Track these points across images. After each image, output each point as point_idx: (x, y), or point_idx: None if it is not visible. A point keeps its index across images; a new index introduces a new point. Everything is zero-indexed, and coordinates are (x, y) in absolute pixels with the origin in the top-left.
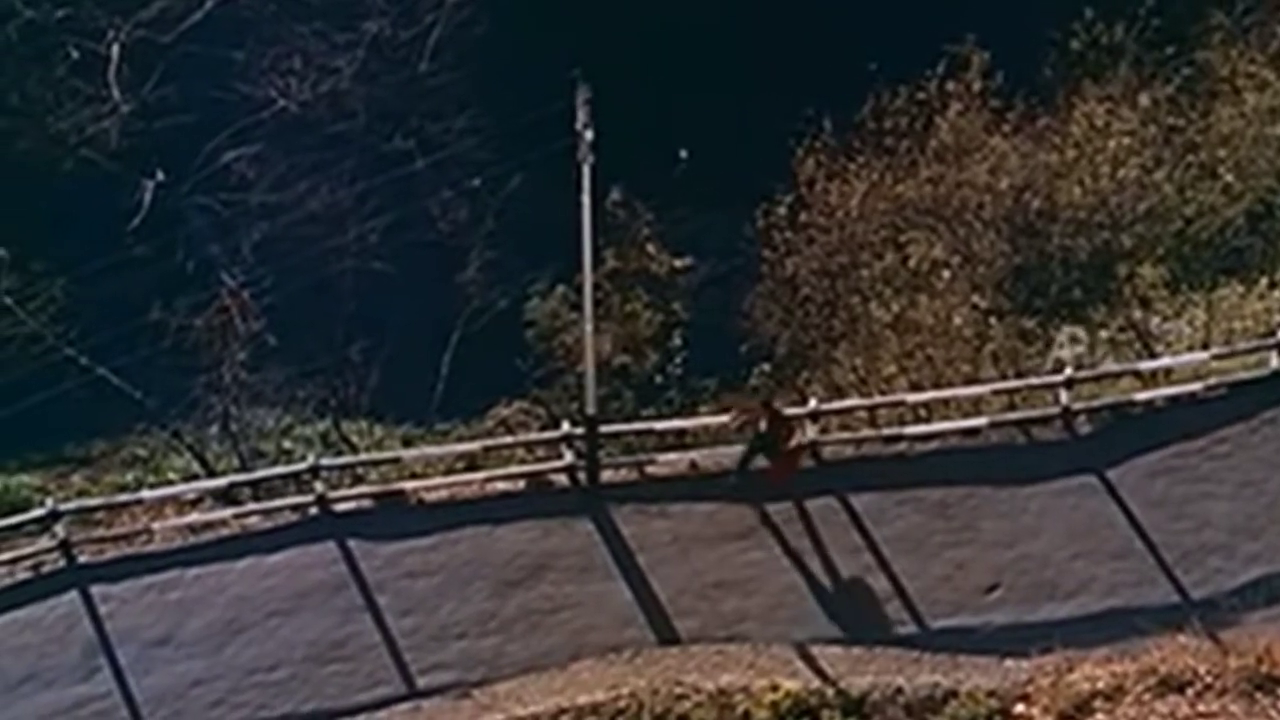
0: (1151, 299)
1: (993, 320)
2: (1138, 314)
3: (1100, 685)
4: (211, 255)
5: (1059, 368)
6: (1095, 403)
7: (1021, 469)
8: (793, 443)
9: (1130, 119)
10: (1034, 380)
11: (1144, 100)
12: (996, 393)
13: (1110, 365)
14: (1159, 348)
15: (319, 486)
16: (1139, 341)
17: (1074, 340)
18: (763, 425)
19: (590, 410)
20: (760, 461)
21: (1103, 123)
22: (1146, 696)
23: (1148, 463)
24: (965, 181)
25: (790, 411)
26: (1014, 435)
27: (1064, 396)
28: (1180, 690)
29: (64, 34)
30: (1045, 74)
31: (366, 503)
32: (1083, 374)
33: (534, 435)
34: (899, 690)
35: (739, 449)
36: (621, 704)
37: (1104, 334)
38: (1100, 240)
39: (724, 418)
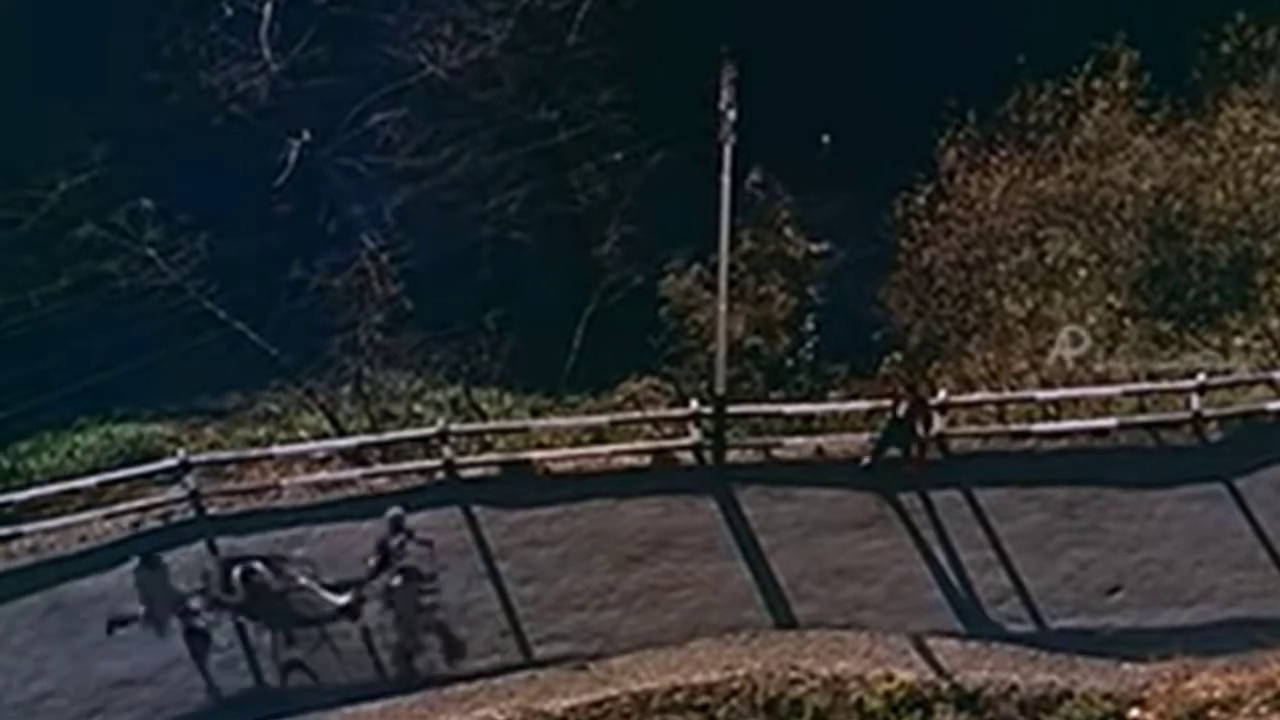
0: None
1: (1127, 321)
2: (1275, 323)
3: (1217, 695)
4: (353, 217)
5: (1060, 369)
6: (1227, 410)
7: (1149, 472)
8: (931, 431)
9: (1278, 125)
10: (1166, 384)
11: None
12: (1127, 394)
13: (1244, 373)
14: None
15: (447, 451)
16: (1275, 350)
17: (1075, 340)
18: (901, 410)
19: (719, 390)
20: (893, 451)
21: (1249, 128)
22: (1264, 709)
23: (1277, 473)
24: (1107, 180)
25: (935, 400)
26: (1143, 438)
27: (1195, 402)
28: None
29: None
30: (1193, 76)
31: (493, 470)
32: (1216, 380)
33: (662, 412)
34: (1014, 688)
35: (868, 436)
36: (736, 685)
37: (1239, 341)
38: (1240, 246)
39: (861, 403)
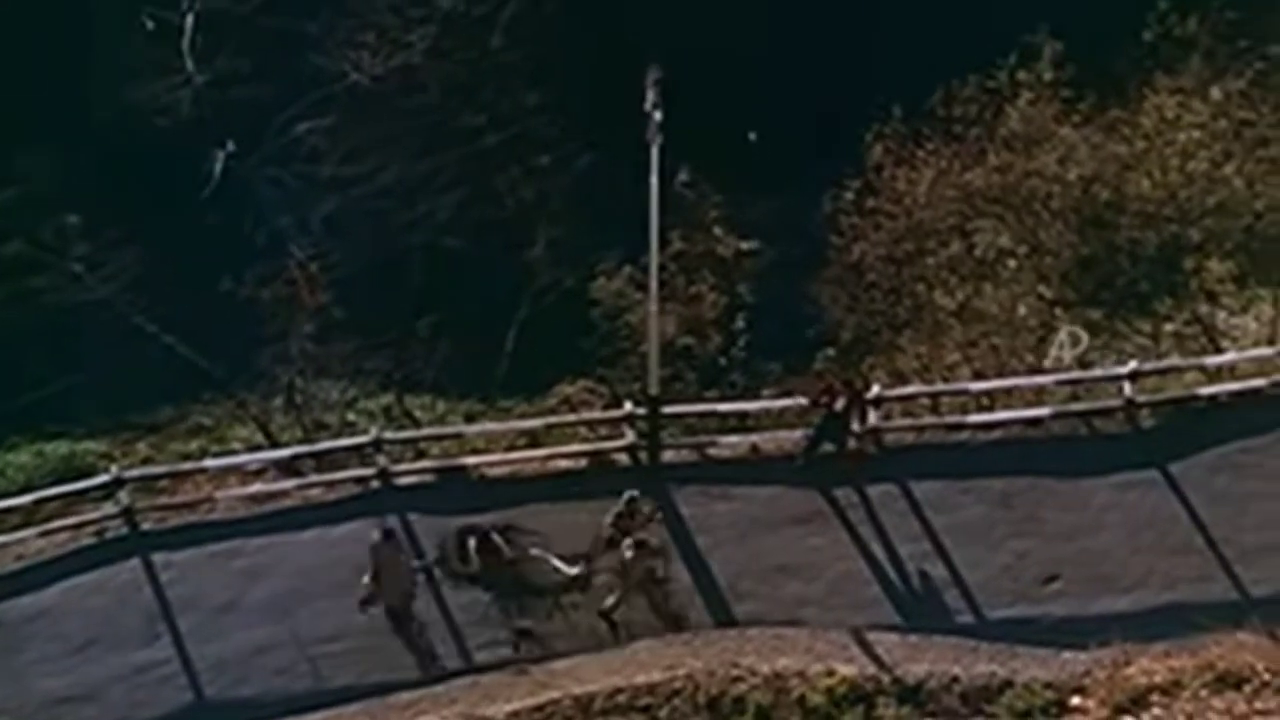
0: (1218, 293)
1: (1058, 311)
2: (1204, 308)
3: (1157, 680)
4: (281, 227)
5: (1058, 368)
6: (1159, 396)
7: (1084, 461)
8: (867, 425)
9: (1201, 112)
10: (1098, 372)
11: (1215, 93)
12: (1060, 383)
13: (1176, 359)
14: (1225, 343)
15: (381, 460)
16: (1205, 336)
17: (1074, 339)
18: (839, 406)
19: (653, 390)
20: (827, 447)
21: (1174, 115)
22: (1204, 692)
23: (1211, 458)
24: (1034, 171)
25: (870, 394)
26: (1077, 427)
27: (1128, 389)
28: (1237, 687)
29: (140, 3)
30: (1117, 65)
31: (428, 477)
32: (1147, 367)
33: (596, 414)
34: (955, 679)
35: (801, 433)
36: (678, 684)
37: (1169, 327)
38: (1168, 233)
39: (797, 399)
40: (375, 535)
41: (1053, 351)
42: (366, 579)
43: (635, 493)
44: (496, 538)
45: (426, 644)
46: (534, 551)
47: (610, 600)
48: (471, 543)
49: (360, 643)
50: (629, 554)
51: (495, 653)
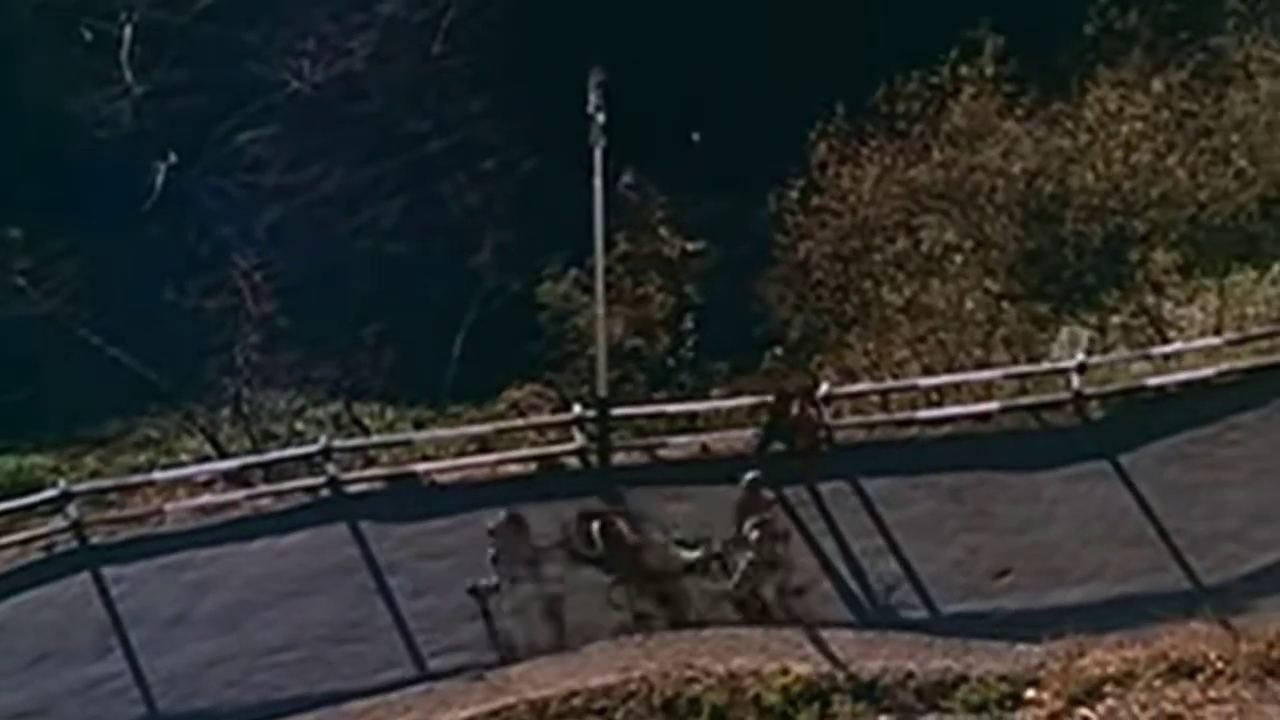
0: (1164, 284)
1: (1005, 305)
2: (1150, 299)
3: (1111, 670)
4: (224, 237)
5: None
6: (1107, 388)
7: (1034, 454)
8: (821, 420)
9: (1143, 104)
10: (1046, 365)
11: (1157, 85)
12: (1008, 377)
13: (1123, 350)
14: (1171, 333)
15: (331, 468)
16: (1151, 327)
17: (1074, 340)
18: (794, 407)
19: (602, 393)
20: (777, 445)
21: (1116, 108)
22: (1157, 682)
23: (1160, 448)
24: (978, 166)
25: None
26: (1026, 420)
27: (1076, 381)
28: (1191, 676)
29: (78, 15)
30: (1059, 59)
31: (379, 484)
32: (1095, 359)
33: (546, 418)
34: (910, 675)
35: (751, 432)
36: (632, 687)
37: (1116, 319)
38: (1113, 225)
39: (744, 399)
40: (500, 517)
41: (1055, 351)
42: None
43: (756, 474)
44: (619, 522)
45: (559, 619)
46: (655, 535)
47: (734, 583)
48: (595, 526)
49: (312, 652)
50: (753, 535)
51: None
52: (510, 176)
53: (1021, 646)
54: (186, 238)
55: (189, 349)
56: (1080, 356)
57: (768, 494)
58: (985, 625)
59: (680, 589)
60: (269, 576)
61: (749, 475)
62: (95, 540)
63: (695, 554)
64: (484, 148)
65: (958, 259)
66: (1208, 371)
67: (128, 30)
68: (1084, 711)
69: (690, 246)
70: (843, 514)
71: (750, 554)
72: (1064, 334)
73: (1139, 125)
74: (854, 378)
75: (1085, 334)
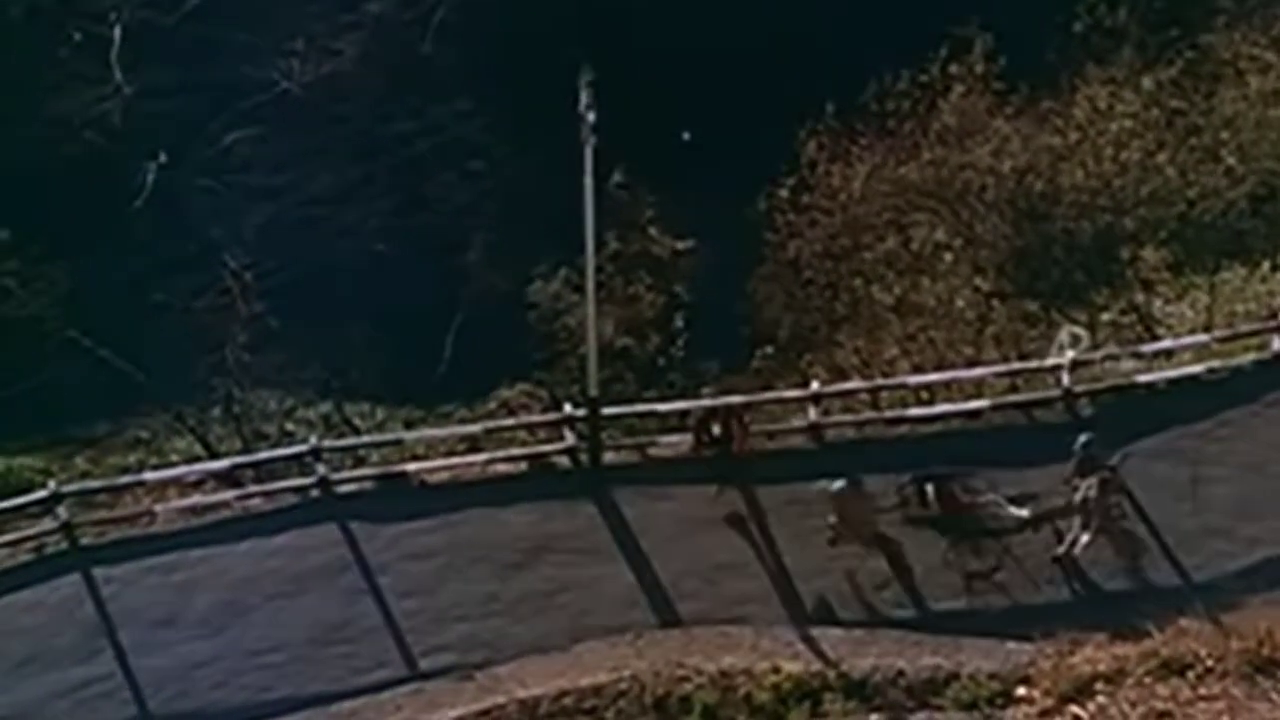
0: (1154, 282)
1: (995, 303)
2: (1140, 297)
3: (1102, 668)
4: (213, 237)
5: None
6: (1097, 385)
7: (1024, 451)
8: (746, 419)
9: (1133, 102)
10: (1036, 363)
11: (1147, 83)
12: (998, 375)
13: (1112, 348)
14: (1161, 330)
15: (321, 468)
16: (1141, 324)
17: (1074, 340)
18: (715, 429)
19: (592, 392)
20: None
21: (1105, 105)
22: (1148, 679)
23: (1150, 445)
24: (968, 164)
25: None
26: (1016, 417)
27: (1065, 379)
28: (1181, 673)
29: (67, 16)
30: (1048, 57)
31: (368, 484)
32: (1084, 356)
33: (536, 417)
34: (900, 673)
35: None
36: (623, 686)
37: (1106, 316)
38: (1103, 223)
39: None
40: (840, 483)
41: (1053, 351)
42: (832, 519)
43: (1090, 435)
44: (953, 483)
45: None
46: (987, 495)
47: (1070, 541)
48: (929, 488)
49: (300, 653)
50: (1091, 492)
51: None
52: (499, 176)
53: (1012, 644)
54: (176, 238)
55: (178, 349)
56: (1076, 351)
57: (1102, 455)
58: (976, 623)
59: (1010, 548)
60: (258, 577)
61: (1082, 437)
62: (85, 541)
63: (1025, 512)
64: (473, 147)
65: (948, 257)
66: (1197, 368)
67: (117, 31)
68: (1075, 709)
69: (680, 245)
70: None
71: (1083, 515)
72: (1063, 334)
73: (1128, 123)
74: (844, 376)
75: (1084, 333)
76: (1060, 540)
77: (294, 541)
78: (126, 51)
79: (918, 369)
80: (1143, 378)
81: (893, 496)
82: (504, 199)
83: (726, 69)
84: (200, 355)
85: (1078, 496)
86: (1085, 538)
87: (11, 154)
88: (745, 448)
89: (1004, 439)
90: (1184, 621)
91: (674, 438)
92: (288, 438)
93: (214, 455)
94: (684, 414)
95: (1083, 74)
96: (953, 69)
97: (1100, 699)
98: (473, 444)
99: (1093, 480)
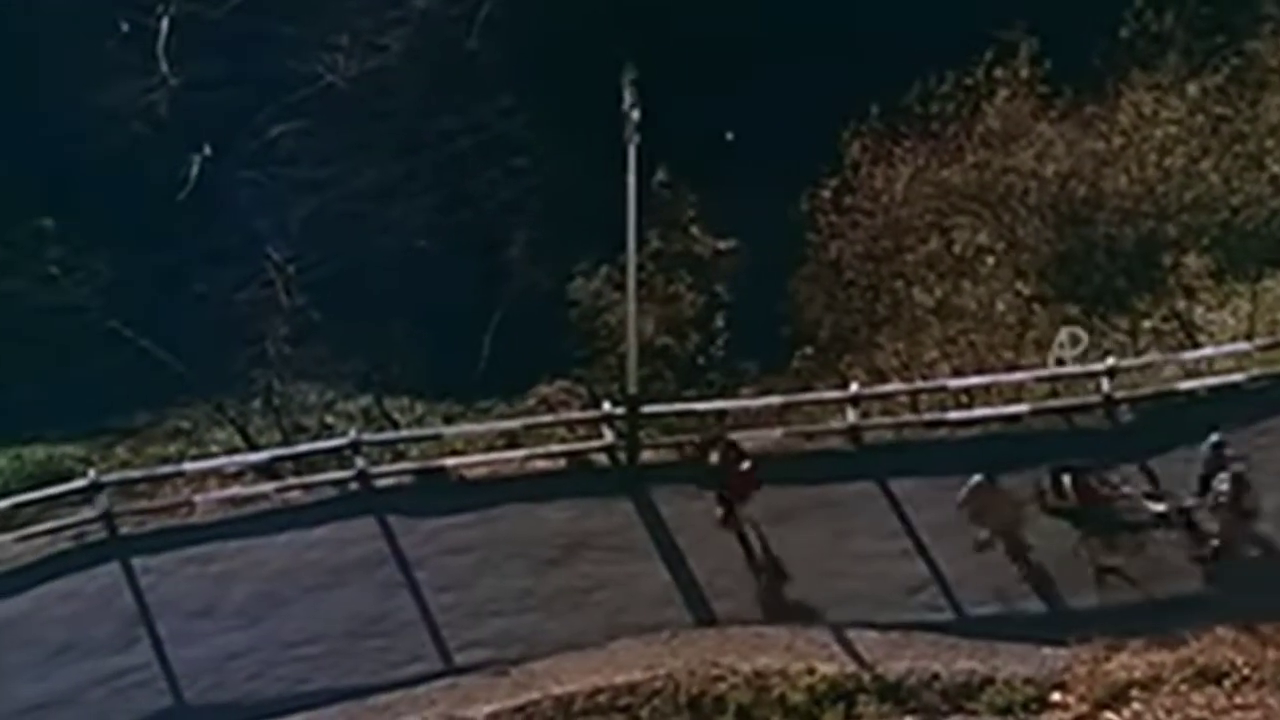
0: (1196, 289)
1: (1036, 307)
2: (1181, 304)
3: (1137, 675)
4: (257, 229)
5: (1060, 368)
6: (1137, 391)
7: (1063, 456)
8: (744, 465)
9: (1178, 108)
10: (1076, 368)
11: (1192, 89)
12: (1039, 379)
13: (1153, 354)
14: (1202, 338)
15: (360, 462)
16: (1182, 331)
17: (1074, 340)
18: (714, 458)
19: (631, 390)
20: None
21: (1150, 111)
22: (1184, 687)
23: (1188, 452)
24: (1011, 168)
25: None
26: (1055, 423)
27: (1106, 385)
28: (1217, 682)
29: (115, 7)
30: (1094, 62)
31: (407, 479)
32: (1125, 363)
33: (575, 414)
34: (935, 676)
35: (778, 433)
36: (658, 684)
37: (1147, 323)
38: (1145, 229)
39: (773, 399)
40: (977, 478)
41: (1054, 351)
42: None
43: (1221, 435)
44: (1090, 475)
45: (1037, 572)
46: (1124, 489)
47: (1212, 538)
48: (1066, 480)
49: (336, 645)
50: (1224, 487)
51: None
52: (542, 173)
53: (1048, 649)
54: (219, 230)
55: (220, 340)
56: (1075, 352)
57: (1231, 452)
58: (1011, 627)
59: (1147, 542)
60: (296, 569)
61: (1214, 437)
62: (125, 530)
63: (1162, 507)
64: (516, 144)
65: (989, 261)
66: (1238, 377)
67: (164, 23)
68: (1109, 715)
69: (722, 245)
70: (869, 514)
71: (1218, 511)
72: (1063, 334)
73: (1173, 129)
74: (884, 378)
75: (1085, 335)
76: (1195, 538)
77: (332, 534)
78: (173, 43)
79: (958, 372)
80: (1183, 385)
81: (1028, 489)
82: (546, 196)
83: (771, 69)
84: (241, 347)
85: (1211, 496)
86: (1211, 536)
87: (58, 143)
88: (743, 492)
89: (1044, 444)
90: (1220, 630)
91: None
92: (327, 431)
93: (254, 447)
94: (721, 414)
95: (1128, 79)
96: (998, 72)
97: (1135, 705)
98: (511, 440)
99: (1225, 477)
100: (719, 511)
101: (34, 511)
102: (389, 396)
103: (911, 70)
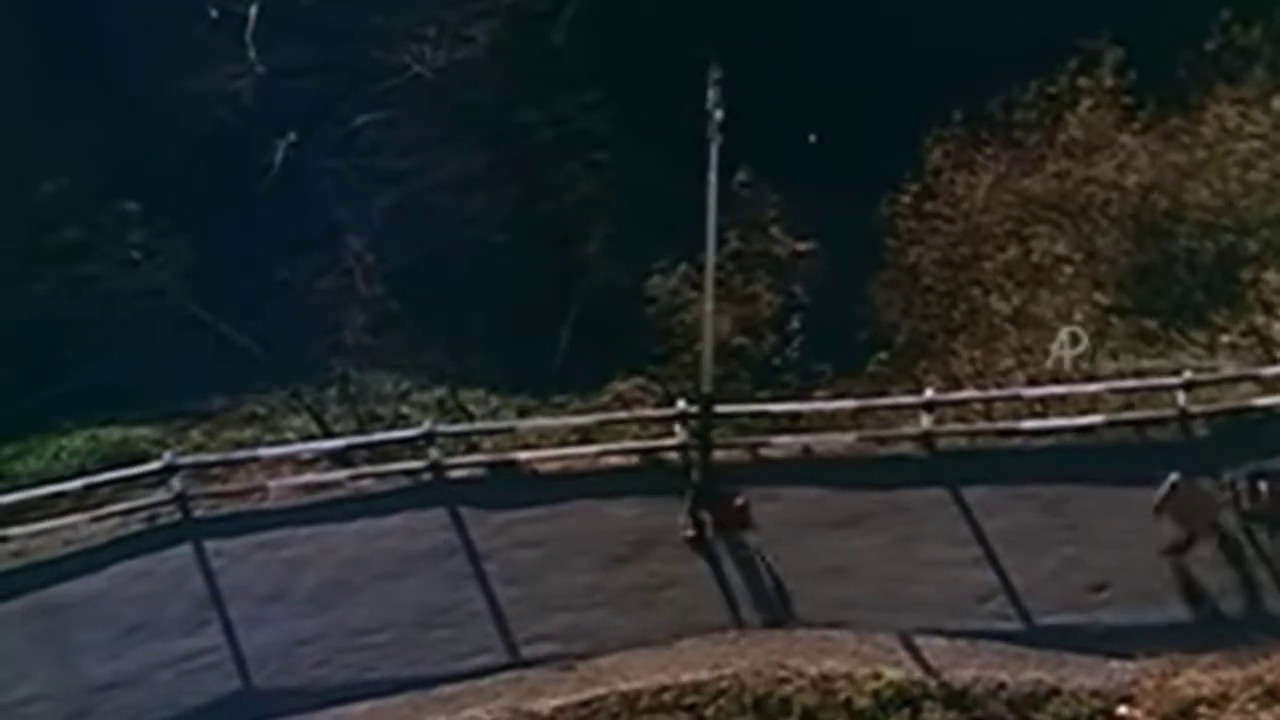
0: (1275, 304)
1: (1113, 319)
2: (1260, 319)
3: (1205, 691)
4: (338, 218)
5: (1058, 369)
6: (1213, 406)
7: (1136, 470)
8: (738, 501)
9: (1262, 122)
10: (1152, 381)
11: (1277, 104)
12: (1114, 391)
13: (1230, 369)
14: None
15: (434, 452)
16: (1260, 347)
17: (1075, 339)
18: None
19: (706, 389)
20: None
21: (1234, 125)
22: (1251, 705)
23: (1263, 469)
24: (1092, 178)
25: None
26: (1129, 435)
27: (1181, 399)
28: None
29: None
30: (1179, 73)
31: (480, 471)
32: (1202, 377)
33: (649, 412)
34: (1002, 685)
35: (851, 437)
36: (724, 684)
37: (1225, 338)
38: (1226, 243)
39: (848, 402)
40: (1173, 476)
41: (1054, 350)
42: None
43: None
44: None
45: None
46: None
47: None
48: (1263, 485)
49: (404, 635)
50: None
51: None
52: (623, 169)
53: (1115, 662)
54: (301, 217)
55: (298, 328)
56: (1075, 352)
57: None
58: (1080, 639)
59: None
60: (366, 557)
61: None
62: (198, 513)
63: None
64: (598, 139)
65: (1067, 270)
66: None
67: (253, 10)
68: None
69: (801, 247)
70: (940, 521)
71: None
72: (1063, 333)
73: (1257, 143)
74: (959, 385)
75: (1085, 334)
76: None
77: (403, 524)
78: (261, 30)
79: (1033, 381)
80: (1260, 400)
81: (1226, 492)
82: (626, 192)
83: (855, 72)
84: (319, 335)
85: None
86: None
87: (145, 128)
88: (731, 526)
89: (1117, 456)
90: None
91: (786, 439)
92: (402, 420)
93: (329, 434)
94: (795, 416)
95: (1213, 92)
96: (1081, 82)
97: None
98: (585, 435)
99: None
100: (689, 533)
101: (108, 492)
102: (464, 388)
103: (995, 77)
